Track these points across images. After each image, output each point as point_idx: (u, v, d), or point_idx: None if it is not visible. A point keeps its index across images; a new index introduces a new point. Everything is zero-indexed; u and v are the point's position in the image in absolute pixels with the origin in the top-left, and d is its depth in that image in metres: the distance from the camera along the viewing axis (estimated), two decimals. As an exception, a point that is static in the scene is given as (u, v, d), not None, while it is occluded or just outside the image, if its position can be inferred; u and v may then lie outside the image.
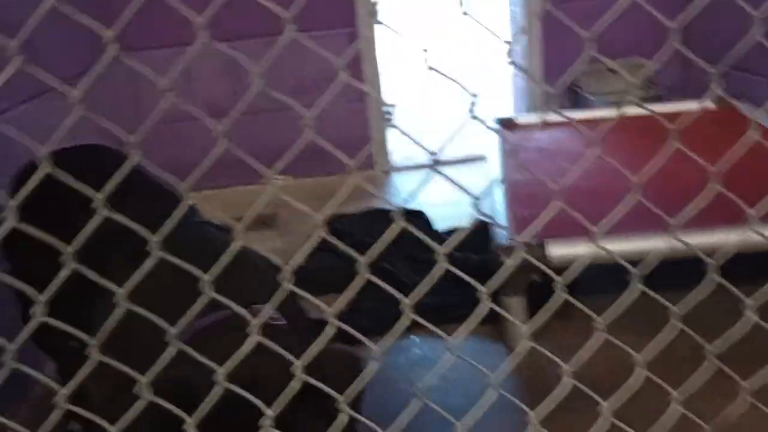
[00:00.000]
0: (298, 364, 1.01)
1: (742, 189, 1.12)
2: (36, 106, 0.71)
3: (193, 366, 1.04)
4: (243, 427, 1.18)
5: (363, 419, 1.13)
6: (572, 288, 1.10)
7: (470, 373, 2.65)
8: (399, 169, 4.98)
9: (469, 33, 8.10)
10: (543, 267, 1.24)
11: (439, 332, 1.12)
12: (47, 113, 0.88)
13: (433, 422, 1.97)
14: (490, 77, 6.35)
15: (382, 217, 3.89)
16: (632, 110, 3.75)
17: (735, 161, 1.05)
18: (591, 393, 1.13)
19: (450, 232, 3.78)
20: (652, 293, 1.12)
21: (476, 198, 1.05)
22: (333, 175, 4.36)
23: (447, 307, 2.89)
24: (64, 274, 0.94)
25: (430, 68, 1.01)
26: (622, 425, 1.15)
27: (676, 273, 1.63)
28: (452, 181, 1.05)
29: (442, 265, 1.03)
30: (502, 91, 5.56)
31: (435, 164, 1.02)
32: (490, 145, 3.90)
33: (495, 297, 1.09)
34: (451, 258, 1.03)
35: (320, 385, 1.06)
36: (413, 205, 3.93)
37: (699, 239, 1.50)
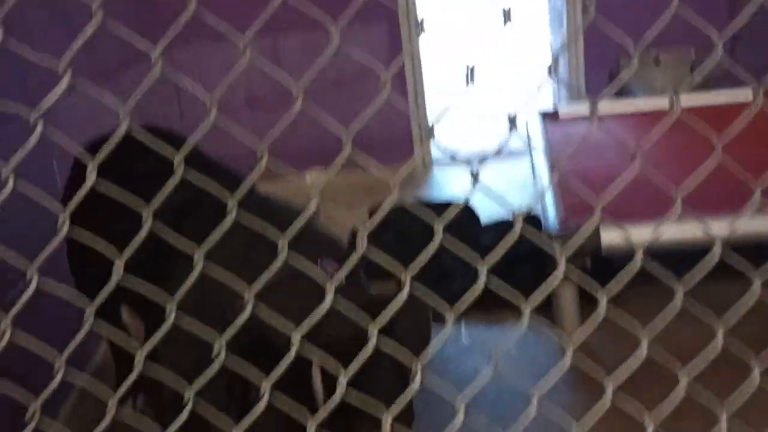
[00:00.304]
0: (371, 325, 1.00)
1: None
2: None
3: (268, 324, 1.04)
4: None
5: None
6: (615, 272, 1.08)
7: (518, 362, 2.65)
8: (441, 164, 4.97)
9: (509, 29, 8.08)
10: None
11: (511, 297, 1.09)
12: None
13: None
14: (531, 69, 6.32)
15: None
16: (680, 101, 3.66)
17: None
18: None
19: (497, 225, 3.76)
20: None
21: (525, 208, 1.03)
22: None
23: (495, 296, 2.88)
24: (142, 234, 0.94)
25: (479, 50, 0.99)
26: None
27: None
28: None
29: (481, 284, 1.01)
30: (542, 82, 5.51)
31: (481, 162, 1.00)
32: (534, 139, 3.88)
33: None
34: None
35: (395, 345, 1.05)
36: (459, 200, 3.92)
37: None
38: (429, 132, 4.94)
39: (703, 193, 1.07)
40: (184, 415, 0.99)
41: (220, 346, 0.98)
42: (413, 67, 4.79)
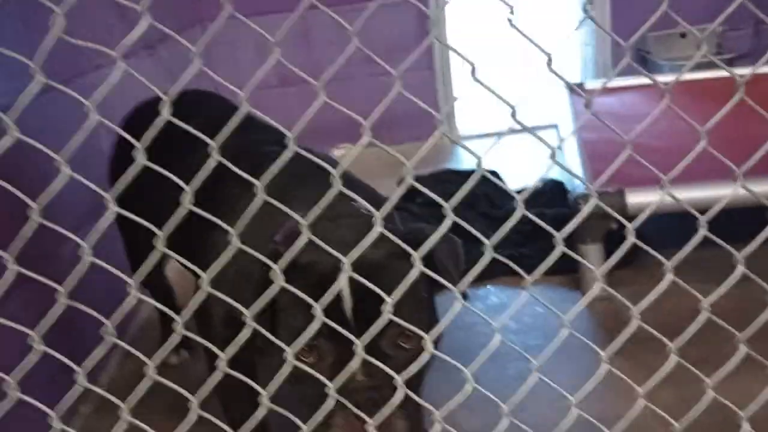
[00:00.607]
0: (416, 255, 1.05)
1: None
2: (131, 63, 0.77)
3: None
4: (361, 315, 1.26)
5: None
6: (644, 239, 1.13)
7: (547, 318, 2.69)
8: (467, 138, 5.01)
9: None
10: (614, 214, 1.29)
11: (518, 269, 1.16)
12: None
13: (511, 362, 2.04)
14: (559, 46, 6.29)
15: (453, 178, 3.96)
16: (701, 74, 3.67)
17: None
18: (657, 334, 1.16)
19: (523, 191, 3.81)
20: (717, 240, 1.15)
21: (554, 149, 1.10)
22: (402, 144, 4.41)
23: (519, 259, 2.94)
24: (184, 208, 0.96)
25: (511, 25, 1.04)
26: (688, 365, 1.20)
27: (744, 225, 1.64)
28: (530, 131, 1.09)
29: (519, 214, 1.07)
30: (569, 60, 5.53)
31: (513, 121, 1.06)
32: (560, 114, 3.91)
33: (572, 246, 1.12)
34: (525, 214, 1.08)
35: (436, 276, 1.12)
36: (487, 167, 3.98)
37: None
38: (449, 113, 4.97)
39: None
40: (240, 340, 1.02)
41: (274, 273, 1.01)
42: (440, 44, 4.82)
